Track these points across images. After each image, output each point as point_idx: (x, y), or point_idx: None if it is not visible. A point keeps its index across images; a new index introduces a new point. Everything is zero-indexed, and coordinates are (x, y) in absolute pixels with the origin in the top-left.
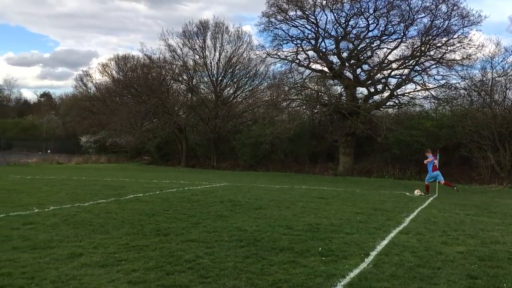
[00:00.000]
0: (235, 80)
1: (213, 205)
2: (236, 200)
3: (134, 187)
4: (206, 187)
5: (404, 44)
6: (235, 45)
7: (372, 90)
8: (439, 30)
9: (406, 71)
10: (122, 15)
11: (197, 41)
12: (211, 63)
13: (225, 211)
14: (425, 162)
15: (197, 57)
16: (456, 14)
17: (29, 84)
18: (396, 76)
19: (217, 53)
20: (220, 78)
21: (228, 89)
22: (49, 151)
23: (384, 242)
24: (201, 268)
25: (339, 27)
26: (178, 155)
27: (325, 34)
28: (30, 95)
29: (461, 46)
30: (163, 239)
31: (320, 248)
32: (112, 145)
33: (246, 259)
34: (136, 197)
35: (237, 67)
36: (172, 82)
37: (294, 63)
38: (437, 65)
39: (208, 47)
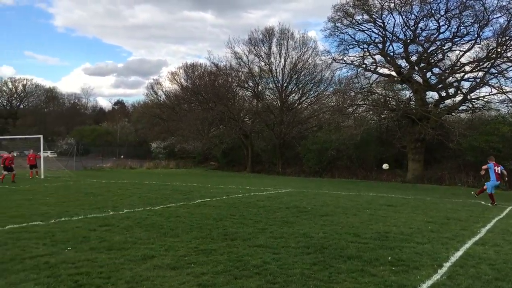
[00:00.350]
0: (300, 86)
1: (279, 211)
2: (302, 206)
3: (202, 192)
4: (271, 193)
5: (478, 45)
6: (300, 51)
7: (443, 94)
8: None
9: (480, 74)
10: (190, 24)
11: (263, 48)
12: (276, 69)
13: (291, 217)
14: (482, 168)
15: (263, 63)
16: None
17: (104, 92)
18: (470, 79)
19: (282, 59)
20: (285, 84)
21: (293, 95)
22: (122, 156)
23: (459, 253)
24: (268, 274)
25: (407, 29)
26: (244, 161)
27: (393, 38)
28: (105, 103)
29: None
30: (230, 243)
31: (389, 258)
32: (180, 151)
33: (313, 266)
34: (204, 202)
35: (302, 73)
36: (238, 88)
37: (360, 68)
38: None
39: (273, 53)
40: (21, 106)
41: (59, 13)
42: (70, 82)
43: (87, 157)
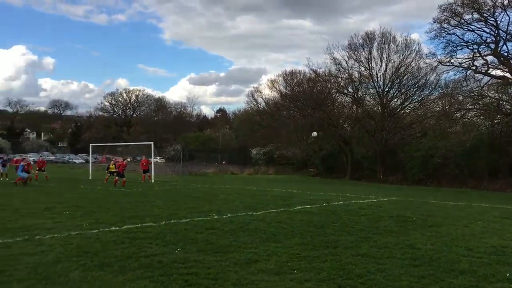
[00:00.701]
0: (402, 90)
1: (382, 220)
2: (406, 216)
3: (302, 198)
4: (373, 201)
5: None
6: (402, 54)
7: None
8: None
9: None
10: (289, 32)
11: (363, 52)
12: (377, 74)
13: (395, 226)
14: None
15: (363, 68)
16: None
17: (207, 101)
18: None
19: (384, 64)
20: (386, 89)
21: (395, 100)
22: (224, 162)
23: None
24: (373, 285)
25: None
26: (343, 168)
27: (508, 37)
28: (208, 111)
29: None
30: (332, 251)
31: (507, 274)
32: (279, 157)
33: (422, 279)
34: (304, 208)
35: (405, 77)
36: (337, 95)
37: (469, 70)
38: None
39: (374, 58)
40: (134, 115)
41: (168, 27)
42: (177, 92)
43: (192, 162)
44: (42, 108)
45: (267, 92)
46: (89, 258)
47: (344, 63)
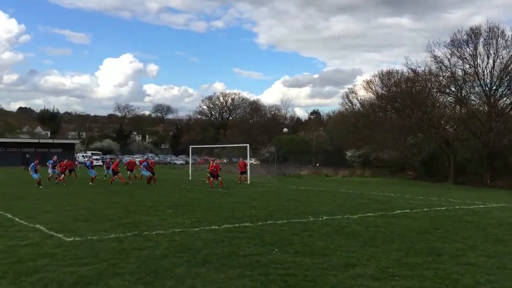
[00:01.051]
0: None
1: (490, 228)
2: None
3: (400, 203)
4: (479, 207)
5: None
6: None
7: None
8: None
9: None
10: (386, 31)
11: (467, 49)
12: (483, 71)
13: (505, 235)
14: None
15: (467, 66)
16: None
17: (301, 103)
18: None
19: (491, 61)
20: (494, 88)
21: (505, 99)
22: (317, 164)
23: None
24: None
25: None
26: (445, 171)
27: None
28: (301, 113)
29: None
30: (436, 259)
31: None
32: (375, 160)
33: None
34: (403, 213)
35: None
36: (438, 94)
37: None
38: None
39: (480, 54)
40: (230, 118)
41: (262, 31)
42: (271, 94)
43: (286, 164)
44: (147, 112)
45: (363, 93)
46: (192, 255)
47: (446, 61)
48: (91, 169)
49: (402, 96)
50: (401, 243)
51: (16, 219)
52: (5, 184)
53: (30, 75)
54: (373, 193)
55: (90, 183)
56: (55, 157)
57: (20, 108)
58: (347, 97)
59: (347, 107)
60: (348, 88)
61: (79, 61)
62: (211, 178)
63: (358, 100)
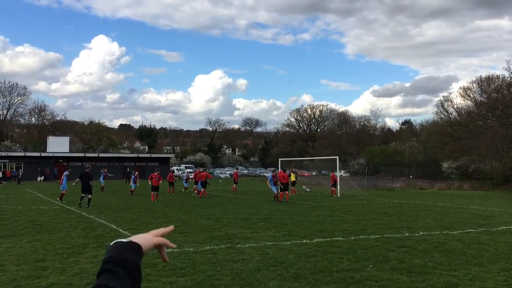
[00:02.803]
0: None
1: None
2: None
3: (506, 218)
4: None
5: None
6: None
7: None
8: None
9: None
10: (483, 34)
11: None
12: None
13: None
14: None
15: None
16: None
17: (392, 113)
18: None
19: None
20: None
21: None
22: (411, 176)
23: None
24: None
25: None
26: None
27: None
28: (392, 124)
29: None
30: None
31: None
32: (475, 171)
33: None
34: (509, 229)
35: None
36: None
37: None
38: None
39: None
40: (318, 130)
41: (350, 41)
42: (360, 105)
43: (377, 176)
44: (236, 126)
45: (459, 101)
46: (284, 269)
47: None
48: (185, 183)
49: (505, 103)
50: (508, 263)
51: (120, 230)
52: (109, 195)
53: (130, 94)
54: (473, 207)
55: (195, 195)
56: (136, 173)
57: (121, 125)
58: (442, 105)
59: (442, 116)
60: (443, 96)
61: (173, 79)
62: (201, 189)
63: (454, 109)
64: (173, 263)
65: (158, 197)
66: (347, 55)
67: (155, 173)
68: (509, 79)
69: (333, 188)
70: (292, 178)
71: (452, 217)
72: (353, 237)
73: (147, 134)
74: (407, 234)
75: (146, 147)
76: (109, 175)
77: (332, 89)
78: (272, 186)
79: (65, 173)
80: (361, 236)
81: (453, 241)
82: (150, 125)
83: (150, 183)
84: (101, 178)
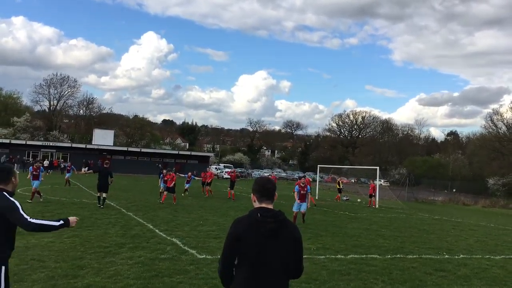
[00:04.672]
0: None
1: None
2: None
3: None
4: None
5: None
6: None
7: None
8: None
9: None
10: None
11: None
12: None
13: None
14: None
15: None
16: None
17: (437, 123)
18: None
19: None
20: None
21: None
22: (454, 190)
23: None
24: None
25: None
26: None
27: None
28: (437, 134)
29: None
30: None
31: None
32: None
33: None
34: None
35: None
36: None
37: None
38: None
39: None
40: (360, 136)
41: (398, 47)
42: (404, 113)
43: (418, 188)
44: (277, 127)
45: (509, 115)
46: (317, 286)
47: None
48: (186, 184)
49: None
50: None
51: (156, 230)
52: (148, 192)
53: (175, 90)
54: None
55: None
56: (164, 171)
57: (164, 120)
58: (491, 119)
59: (491, 130)
60: (493, 109)
61: (218, 78)
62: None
63: (504, 123)
64: (206, 271)
65: (176, 199)
66: (394, 61)
67: (166, 172)
68: None
69: (371, 198)
70: (339, 185)
71: (496, 239)
72: (389, 256)
73: (189, 131)
74: (446, 256)
75: (187, 144)
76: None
77: (377, 95)
78: (296, 202)
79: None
80: (398, 255)
81: (495, 267)
82: (192, 122)
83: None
84: (68, 173)
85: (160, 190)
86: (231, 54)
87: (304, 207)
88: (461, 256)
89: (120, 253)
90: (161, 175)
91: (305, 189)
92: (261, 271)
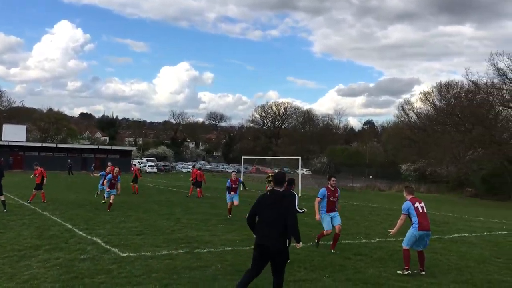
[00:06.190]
0: None
1: None
2: None
3: (458, 225)
4: None
5: None
6: None
7: None
8: None
9: None
10: (446, 40)
11: None
12: None
13: None
14: None
15: None
16: None
17: (355, 112)
18: None
19: None
20: None
21: None
22: (370, 176)
23: None
24: None
25: None
26: (508, 190)
27: None
28: (355, 123)
29: None
30: None
31: None
32: (432, 175)
33: None
34: (461, 237)
35: None
36: (501, 108)
37: None
38: None
39: None
40: (282, 127)
41: (318, 40)
42: (324, 103)
43: (338, 176)
44: (201, 119)
45: (419, 105)
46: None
47: (510, 74)
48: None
49: (462, 110)
50: (458, 274)
51: (75, 230)
52: (67, 189)
53: (93, 82)
54: (429, 212)
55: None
56: (110, 163)
57: (82, 114)
58: (403, 108)
59: (403, 119)
60: (404, 99)
61: (139, 69)
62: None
63: (414, 112)
64: (129, 269)
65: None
66: (314, 53)
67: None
68: (467, 86)
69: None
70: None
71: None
72: (311, 243)
73: (109, 125)
74: (364, 240)
75: (107, 138)
76: None
77: (298, 87)
78: (228, 196)
79: None
80: (320, 242)
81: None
82: (113, 115)
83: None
84: None
85: (105, 196)
86: (152, 45)
87: (236, 198)
88: (377, 239)
89: (36, 255)
90: (103, 173)
91: (237, 182)
92: (266, 223)
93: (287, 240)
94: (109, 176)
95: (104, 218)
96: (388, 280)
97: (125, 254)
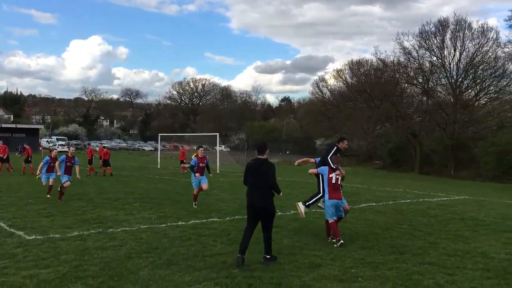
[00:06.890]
0: (477, 81)
1: (452, 222)
2: (479, 219)
3: (367, 195)
4: (443, 200)
5: None
6: (478, 43)
7: None
8: None
9: None
10: (358, 19)
11: (435, 41)
12: (450, 63)
13: (466, 231)
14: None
15: (434, 58)
16: None
17: (272, 89)
18: None
19: (457, 53)
20: (460, 80)
21: (469, 91)
22: (288, 152)
23: None
24: None
25: None
26: (411, 161)
27: None
28: (272, 100)
29: None
30: (399, 257)
31: None
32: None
33: None
34: (369, 206)
35: (480, 67)
36: (406, 85)
37: None
38: None
39: (447, 47)
40: (200, 104)
41: (235, 16)
42: (242, 80)
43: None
44: (115, 96)
45: (333, 82)
46: (157, 255)
47: (414, 52)
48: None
49: (371, 86)
50: (365, 241)
51: None
52: None
53: None
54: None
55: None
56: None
57: None
58: (317, 85)
59: (318, 95)
60: (318, 77)
61: (46, 43)
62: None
63: (328, 89)
64: (36, 252)
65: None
66: (232, 29)
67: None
68: (376, 64)
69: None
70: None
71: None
72: (228, 218)
73: (13, 102)
74: (280, 213)
75: (12, 116)
76: None
77: (216, 63)
78: (194, 179)
79: None
80: (237, 217)
81: (320, 219)
82: (17, 92)
83: None
84: None
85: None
86: (59, 17)
87: (205, 180)
88: (292, 212)
89: None
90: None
91: (205, 161)
92: (251, 186)
93: (272, 200)
94: (46, 158)
95: (8, 200)
96: (301, 249)
97: (31, 237)
